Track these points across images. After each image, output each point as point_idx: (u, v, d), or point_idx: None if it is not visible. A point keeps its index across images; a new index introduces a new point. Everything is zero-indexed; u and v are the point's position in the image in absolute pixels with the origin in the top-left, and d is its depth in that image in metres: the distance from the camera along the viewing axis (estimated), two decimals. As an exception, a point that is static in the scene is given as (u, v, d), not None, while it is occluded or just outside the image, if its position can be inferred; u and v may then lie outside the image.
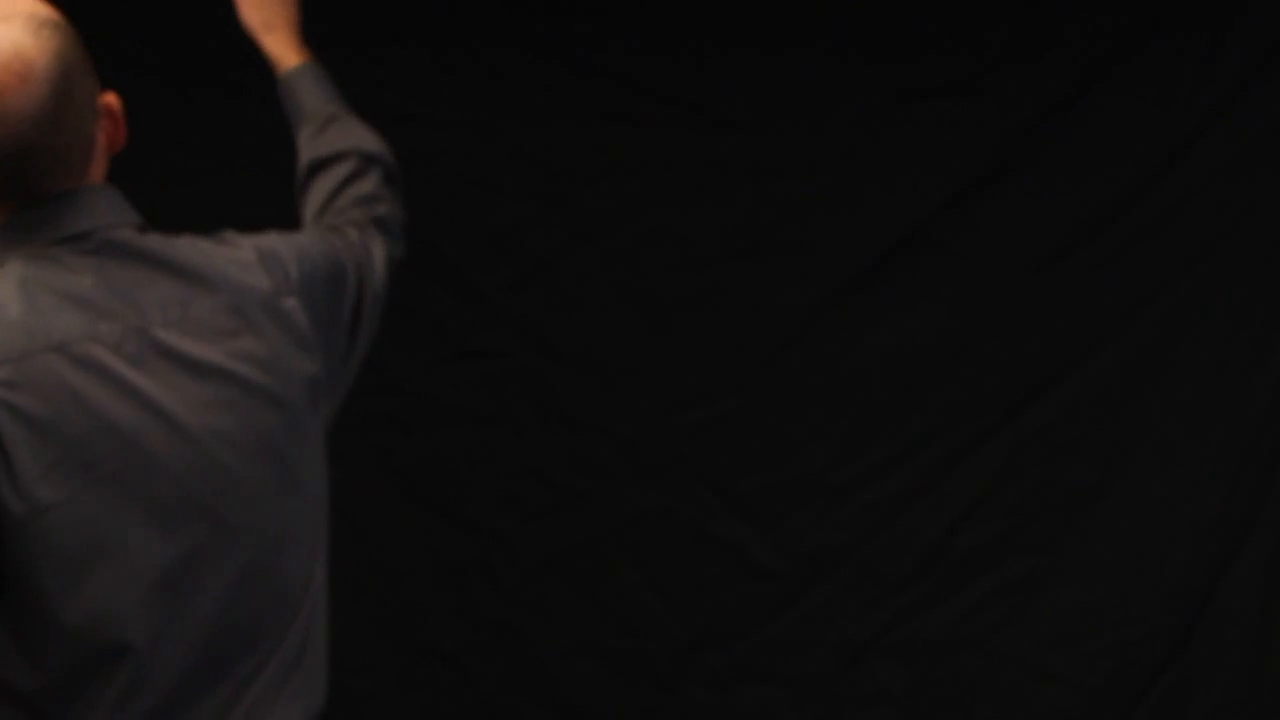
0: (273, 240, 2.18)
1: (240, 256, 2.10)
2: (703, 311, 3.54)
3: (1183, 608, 3.53)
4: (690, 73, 3.49)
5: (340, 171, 2.54)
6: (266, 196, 3.36)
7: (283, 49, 2.65)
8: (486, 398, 3.58)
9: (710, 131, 3.51)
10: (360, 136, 2.61)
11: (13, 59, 1.92)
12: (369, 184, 2.55)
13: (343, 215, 2.45)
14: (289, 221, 2.75)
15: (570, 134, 3.51)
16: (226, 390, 2.01)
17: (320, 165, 2.55)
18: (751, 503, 3.58)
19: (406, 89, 3.51)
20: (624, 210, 3.54)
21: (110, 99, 2.07)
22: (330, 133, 2.58)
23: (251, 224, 2.35)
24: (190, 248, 2.06)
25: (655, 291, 3.54)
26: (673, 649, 3.62)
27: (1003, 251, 3.51)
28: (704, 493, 3.58)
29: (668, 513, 3.58)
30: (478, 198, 3.55)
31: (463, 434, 3.58)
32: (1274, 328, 3.48)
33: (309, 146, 2.57)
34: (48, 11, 2.00)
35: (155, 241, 2.03)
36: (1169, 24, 3.44)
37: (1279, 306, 3.48)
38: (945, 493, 3.57)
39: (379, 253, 2.42)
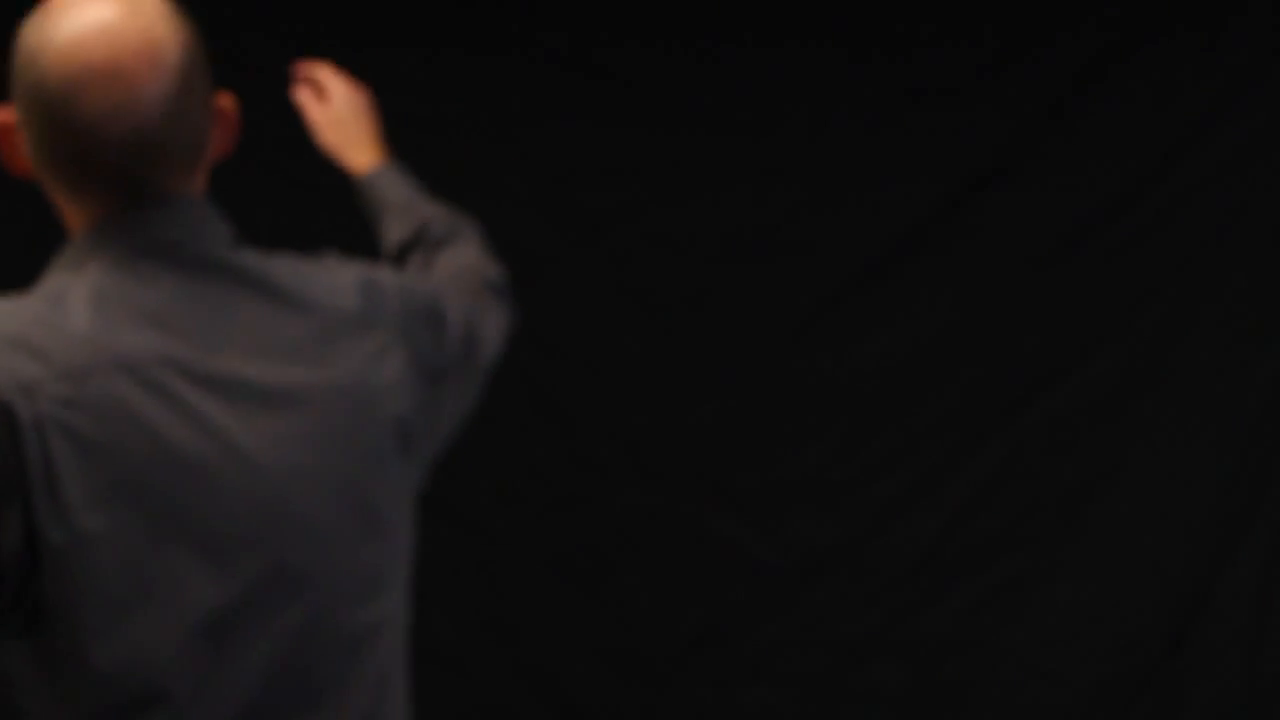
0: (377, 271, 1.99)
1: (338, 282, 1.92)
2: (703, 311, 3.54)
3: (1179, 607, 3.54)
4: (690, 73, 3.49)
5: (431, 242, 2.37)
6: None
7: (365, 159, 2.49)
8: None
9: (710, 131, 3.51)
10: (451, 217, 2.44)
11: (145, 43, 1.80)
12: (469, 249, 2.38)
13: (454, 276, 2.28)
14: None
15: (570, 134, 3.52)
16: (306, 423, 1.82)
17: (411, 244, 2.37)
18: (751, 502, 3.58)
19: (406, 89, 3.51)
20: (624, 210, 3.54)
21: (226, 100, 1.94)
22: (414, 213, 2.42)
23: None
24: (286, 268, 1.89)
25: (655, 291, 3.55)
26: (672, 648, 3.62)
27: (1001, 251, 3.51)
28: (704, 493, 3.58)
29: (668, 513, 3.59)
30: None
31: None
32: (1271, 328, 3.49)
33: (395, 228, 2.40)
34: (171, 4, 1.86)
35: (249, 259, 1.87)
36: (1167, 24, 3.44)
37: (1276, 306, 3.49)
38: (944, 492, 3.58)
39: (493, 314, 2.26)
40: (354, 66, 3.49)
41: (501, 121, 3.51)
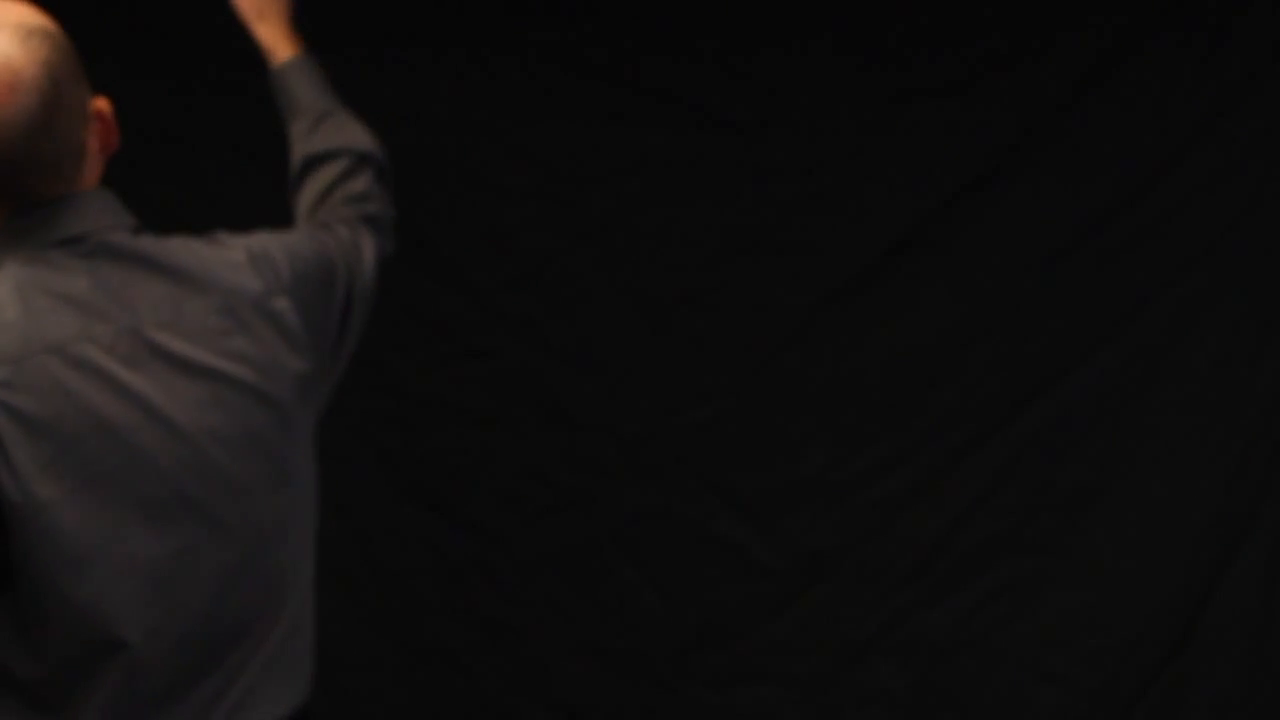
0: (264, 240, 2.22)
1: (231, 257, 2.14)
2: (703, 311, 3.54)
3: (1181, 608, 3.53)
4: (690, 73, 3.49)
5: (333, 170, 2.58)
6: (266, 196, 3.37)
7: (275, 38, 2.69)
8: (486, 398, 3.58)
9: (710, 131, 3.51)
10: (353, 134, 2.65)
11: (1, 70, 1.96)
12: (361, 182, 2.59)
13: (334, 213, 2.50)
14: (287, 220, 2.76)
15: (570, 134, 3.51)
16: (218, 389, 2.06)
17: (314, 163, 2.59)
18: (751, 503, 3.58)
19: (406, 89, 3.51)
20: (624, 210, 3.53)
21: (101, 103, 2.10)
22: (324, 130, 2.63)
23: (250, 223, 2.36)
24: (183, 249, 2.10)
25: (655, 291, 3.54)
26: (672, 648, 3.62)
27: (1002, 252, 3.51)
28: (704, 493, 3.58)
29: (668, 513, 3.58)
30: (478, 198, 3.55)
31: (463, 434, 3.58)
32: (1273, 327, 3.48)
33: (303, 142, 2.62)
34: (37, 19, 2.02)
35: (148, 244, 2.08)
36: (1168, 24, 3.44)
37: (1278, 306, 3.48)
38: (945, 492, 3.57)
39: (369, 250, 2.46)
40: (354, 66, 3.50)
41: (501, 121, 3.51)
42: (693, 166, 3.52)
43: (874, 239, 3.52)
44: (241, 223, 2.44)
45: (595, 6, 3.47)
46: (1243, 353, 3.50)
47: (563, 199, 3.53)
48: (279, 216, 3.28)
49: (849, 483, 3.58)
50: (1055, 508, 3.56)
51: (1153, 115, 3.45)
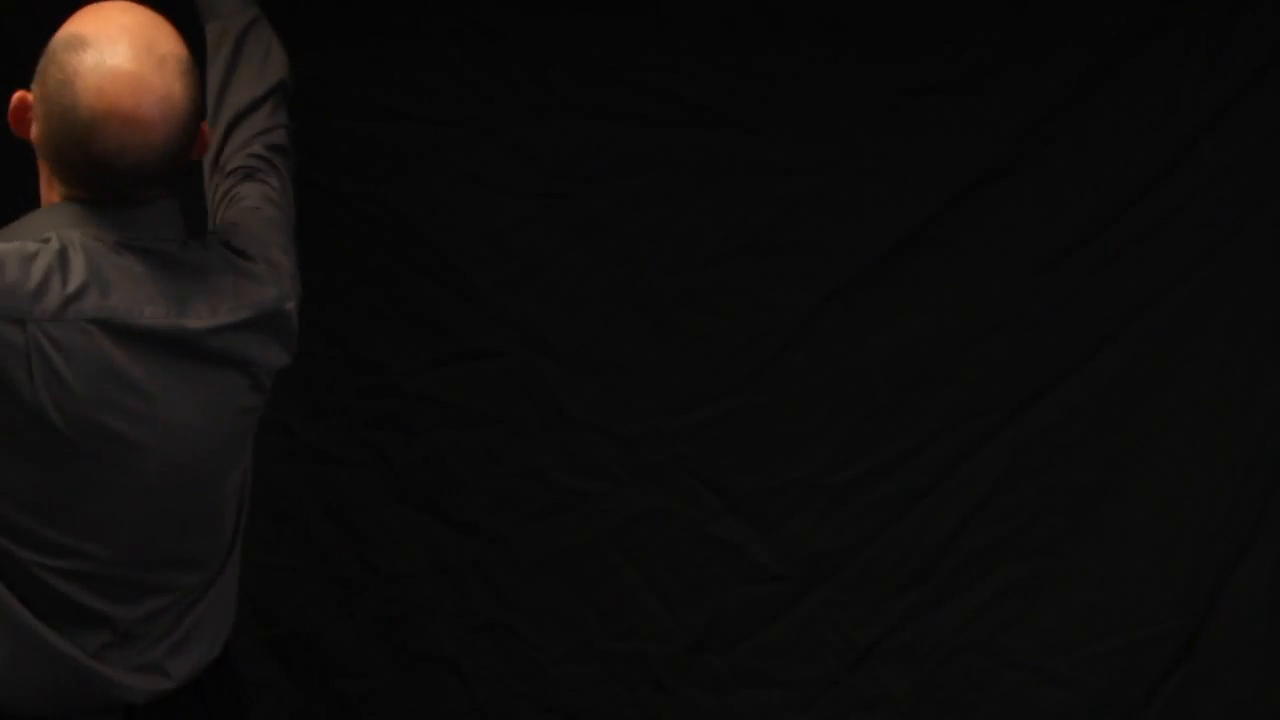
0: (271, 251, 2.47)
1: (256, 271, 2.40)
2: (703, 311, 3.53)
3: (1188, 611, 3.52)
4: (690, 72, 3.49)
5: (259, 120, 2.71)
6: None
7: None
8: (486, 398, 3.58)
9: (710, 131, 3.50)
10: (273, 63, 2.77)
11: (163, 99, 2.20)
12: (281, 132, 2.73)
13: (256, 157, 2.65)
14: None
15: (570, 134, 3.51)
16: (227, 385, 2.35)
17: (244, 114, 2.70)
18: (752, 504, 3.57)
19: (405, 89, 3.51)
20: (624, 210, 3.53)
21: (206, 127, 2.36)
22: (246, 62, 2.73)
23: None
24: (218, 259, 2.37)
25: (655, 291, 3.54)
26: (672, 651, 3.61)
27: (1004, 252, 3.50)
28: (704, 493, 3.57)
29: (668, 513, 3.58)
30: (478, 197, 3.55)
31: (462, 434, 3.57)
32: (1277, 328, 3.47)
33: (230, 82, 2.72)
34: (186, 53, 2.26)
35: (193, 254, 2.33)
36: (1171, 24, 3.43)
37: (1282, 306, 3.48)
38: (948, 495, 3.56)
39: (289, 180, 2.68)
40: (354, 66, 3.51)
41: (500, 120, 3.50)
42: (693, 166, 3.51)
43: (875, 239, 3.51)
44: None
45: (595, 6, 3.47)
46: (1247, 353, 3.49)
47: (563, 199, 3.53)
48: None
49: (850, 484, 3.57)
50: (1059, 510, 3.55)
51: (1153, 115, 3.44)
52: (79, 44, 2.19)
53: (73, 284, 2.17)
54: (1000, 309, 3.52)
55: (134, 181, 2.23)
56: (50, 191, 2.28)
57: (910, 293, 3.52)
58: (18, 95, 2.25)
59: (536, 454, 3.57)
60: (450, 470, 3.59)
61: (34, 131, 2.24)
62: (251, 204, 2.54)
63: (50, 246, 2.18)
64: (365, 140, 3.50)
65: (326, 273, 3.45)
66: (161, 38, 2.22)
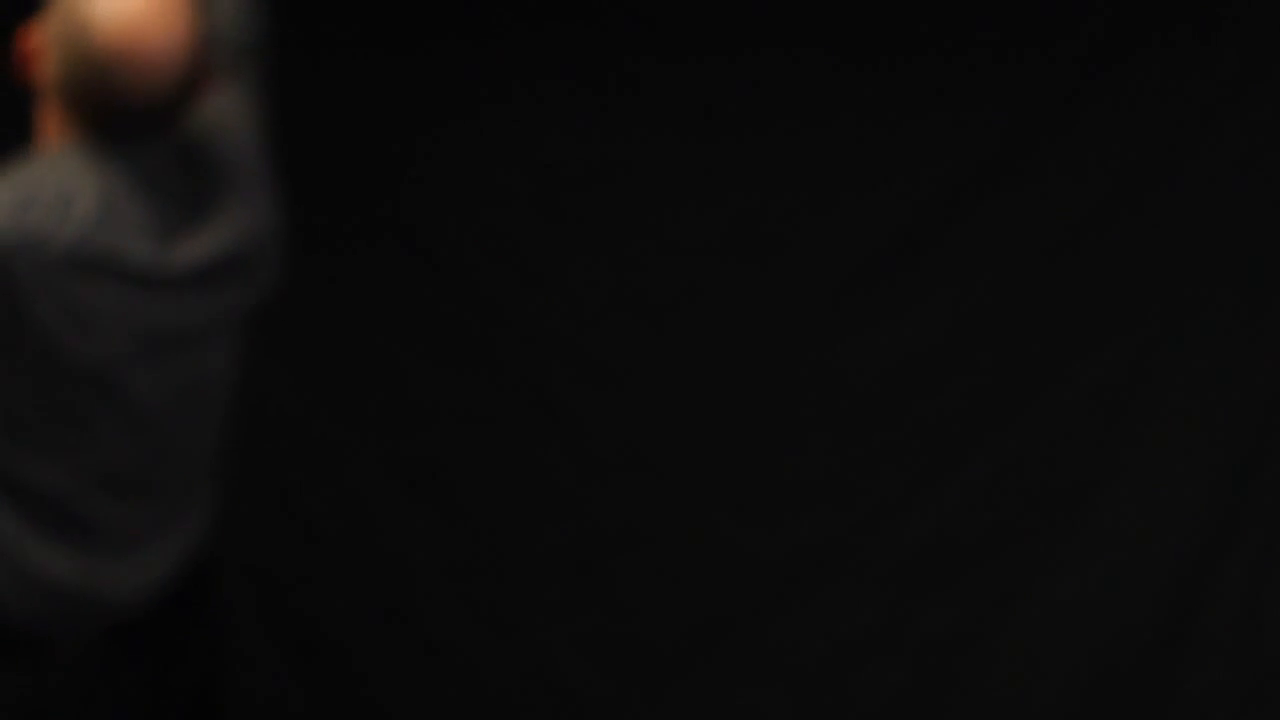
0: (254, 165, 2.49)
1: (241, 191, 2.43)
2: (703, 311, 3.54)
3: (1175, 603, 3.53)
4: (690, 72, 3.49)
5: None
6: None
7: None
8: (486, 398, 3.58)
9: (710, 131, 3.50)
10: None
11: (178, 35, 2.27)
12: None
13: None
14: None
15: (570, 134, 3.51)
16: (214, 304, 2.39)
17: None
18: (751, 500, 3.58)
19: (407, 89, 3.51)
20: (624, 210, 3.53)
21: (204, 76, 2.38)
22: None
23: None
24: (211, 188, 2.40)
25: (656, 292, 3.54)
26: (672, 646, 3.61)
27: (1002, 251, 3.51)
28: (704, 491, 3.57)
29: (667, 511, 3.58)
30: (478, 198, 3.55)
31: (462, 434, 3.58)
32: (1271, 327, 3.48)
33: None
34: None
35: (187, 186, 2.36)
36: (1168, 24, 3.44)
37: (1277, 306, 3.48)
38: (943, 491, 3.57)
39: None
40: (356, 67, 3.50)
41: (503, 121, 3.50)
42: (692, 167, 3.51)
43: (874, 239, 3.51)
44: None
45: (596, 6, 3.47)
46: (1241, 352, 3.49)
47: (563, 199, 3.53)
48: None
49: (849, 480, 3.58)
50: (1054, 505, 3.55)
51: (1153, 115, 3.44)
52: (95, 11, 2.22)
53: (87, 223, 2.22)
54: (996, 309, 3.52)
55: (147, 120, 2.28)
56: (59, 133, 2.32)
57: (908, 292, 3.52)
58: (28, 39, 2.29)
59: (536, 453, 3.57)
60: (451, 469, 3.59)
61: (48, 74, 2.28)
62: (240, 110, 2.56)
63: (65, 188, 2.23)
64: (365, 141, 3.50)
65: (327, 273, 3.45)
66: None
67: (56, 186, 2.24)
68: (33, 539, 2.31)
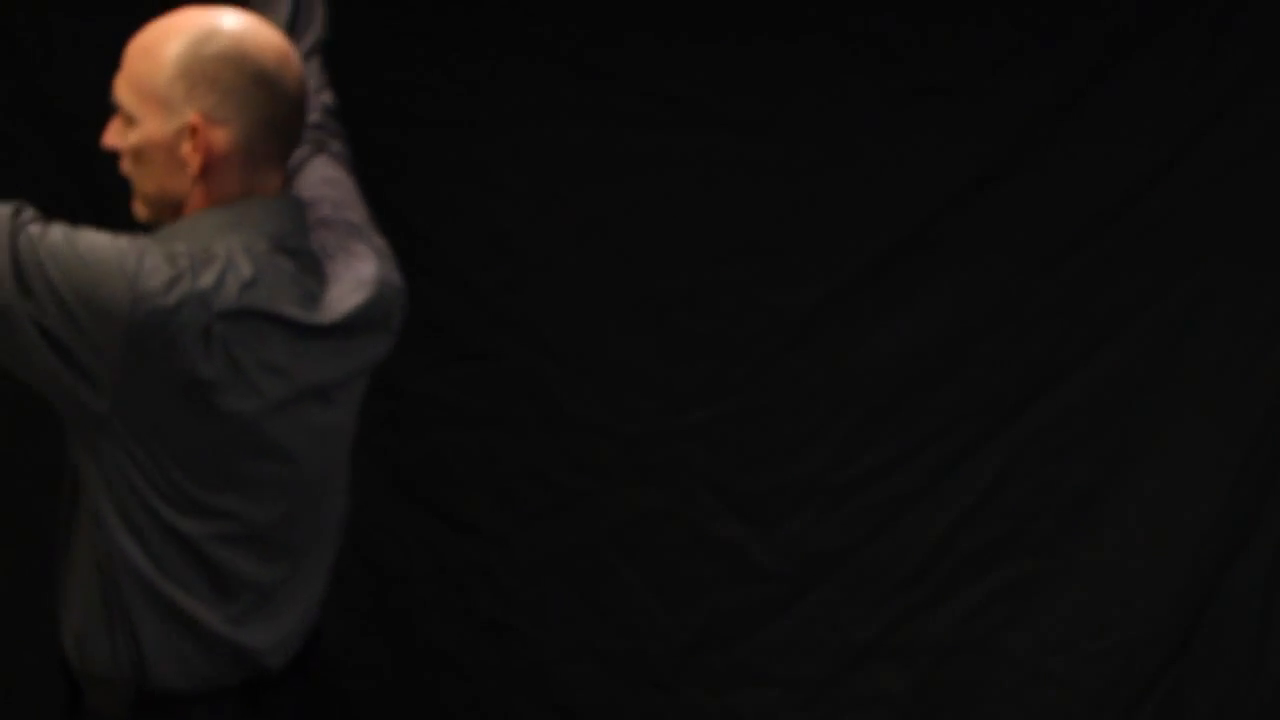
0: (370, 233, 2.61)
1: (366, 255, 2.56)
2: (703, 311, 3.54)
3: (1183, 609, 3.53)
4: (690, 73, 3.49)
5: (313, 74, 2.79)
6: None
7: None
8: (486, 398, 3.58)
9: (710, 131, 3.50)
10: (314, 13, 2.90)
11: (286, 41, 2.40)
12: (330, 92, 2.87)
13: (317, 128, 2.76)
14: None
15: (570, 134, 3.51)
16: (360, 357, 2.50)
17: (312, 52, 2.83)
18: (751, 503, 3.58)
19: (406, 89, 3.51)
20: (624, 210, 3.53)
21: None
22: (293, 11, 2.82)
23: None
24: (339, 251, 2.52)
25: (655, 291, 3.54)
26: (672, 651, 3.61)
27: (1003, 251, 3.51)
28: (704, 493, 3.57)
29: (668, 513, 3.58)
30: (478, 198, 3.55)
31: (462, 434, 3.57)
32: (1275, 327, 3.48)
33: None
34: None
35: (316, 246, 2.47)
36: (1168, 24, 3.44)
37: (1280, 306, 3.49)
38: (946, 494, 3.57)
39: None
40: (354, 66, 3.50)
41: (500, 120, 3.50)
42: (693, 166, 3.52)
43: (874, 239, 3.52)
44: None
45: (596, 6, 3.47)
46: (1245, 353, 3.49)
47: (563, 199, 3.53)
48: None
49: (849, 484, 3.58)
50: (1057, 509, 3.55)
51: (1153, 115, 3.45)
52: (208, 35, 2.31)
53: (243, 281, 2.26)
54: (999, 309, 3.53)
55: (303, 118, 2.40)
56: (196, 204, 2.35)
57: (910, 293, 3.53)
58: (189, 128, 2.31)
59: (536, 454, 3.57)
60: (450, 470, 3.59)
61: (220, 139, 2.31)
62: (336, 176, 2.67)
63: (218, 248, 2.28)
64: (366, 141, 3.49)
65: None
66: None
67: (206, 247, 2.27)
68: (207, 598, 2.36)
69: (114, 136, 2.37)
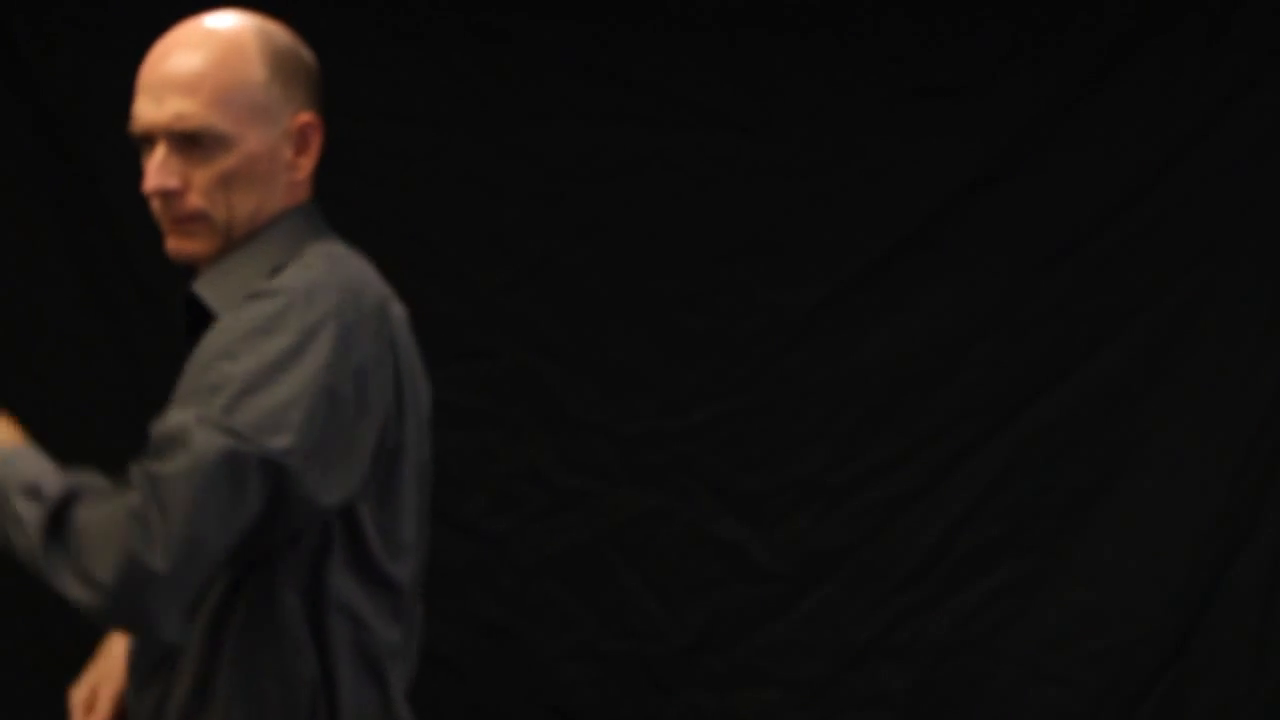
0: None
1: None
2: (703, 311, 3.54)
3: (1182, 609, 3.53)
4: (690, 72, 3.49)
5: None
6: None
7: None
8: (486, 398, 3.58)
9: (710, 131, 3.51)
10: None
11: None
12: None
13: None
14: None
15: (570, 134, 3.52)
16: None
17: None
18: (751, 503, 3.58)
19: (406, 89, 3.51)
20: (624, 210, 3.54)
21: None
22: None
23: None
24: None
25: (655, 291, 3.54)
26: (672, 651, 3.61)
27: (1002, 252, 3.52)
28: (704, 493, 3.58)
29: (668, 513, 3.58)
30: (478, 198, 3.55)
31: (462, 434, 3.57)
32: (1274, 327, 3.48)
33: None
34: None
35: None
36: (1168, 24, 3.45)
37: (1279, 306, 3.48)
38: (945, 494, 3.57)
39: None
40: (354, 66, 3.51)
41: (500, 121, 3.51)
42: (693, 166, 3.52)
43: (874, 239, 3.52)
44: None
45: (596, 6, 3.48)
46: (1243, 353, 3.50)
47: (563, 199, 3.54)
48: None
49: (849, 484, 3.58)
50: (1055, 509, 3.56)
51: (1153, 115, 3.46)
52: (263, 32, 2.07)
53: (380, 283, 2.13)
54: (999, 309, 3.53)
55: None
56: (264, 211, 2.10)
57: (910, 293, 3.53)
58: (298, 129, 2.10)
59: (536, 454, 3.57)
60: (450, 470, 3.58)
61: (319, 130, 2.12)
62: None
63: (312, 258, 2.09)
64: (366, 141, 3.50)
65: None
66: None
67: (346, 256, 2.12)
68: (399, 651, 2.20)
69: (178, 173, 2.02)
